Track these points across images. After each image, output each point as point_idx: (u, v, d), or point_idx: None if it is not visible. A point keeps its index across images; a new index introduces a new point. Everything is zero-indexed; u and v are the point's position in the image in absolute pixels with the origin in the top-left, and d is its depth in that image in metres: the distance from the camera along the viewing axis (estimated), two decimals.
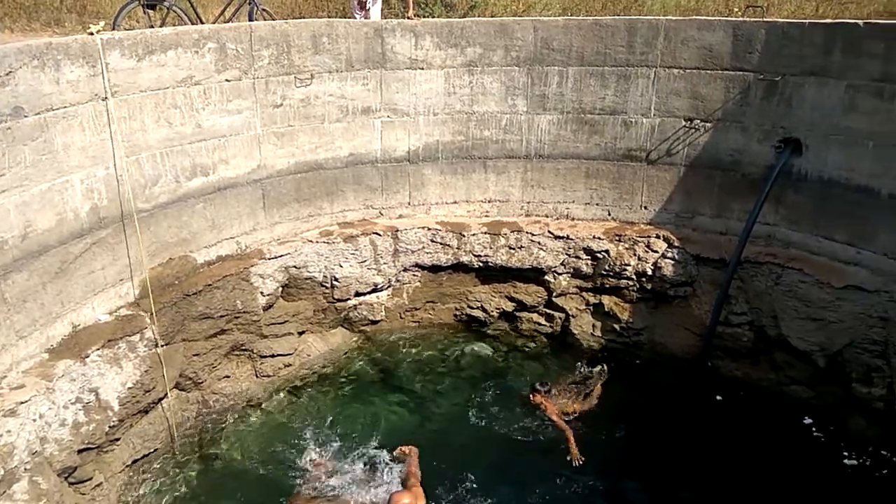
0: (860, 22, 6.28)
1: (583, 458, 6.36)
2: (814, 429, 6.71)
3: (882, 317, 6.22)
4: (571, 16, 9.92)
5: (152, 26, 8.18)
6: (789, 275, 6.74)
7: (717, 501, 6.00)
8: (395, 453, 6.35)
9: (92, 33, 5.52)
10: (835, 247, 6.73)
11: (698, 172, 7.37)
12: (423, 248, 7.79)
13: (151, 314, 6.09)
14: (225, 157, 6.67)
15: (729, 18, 7.46)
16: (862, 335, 6.36)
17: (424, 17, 9.99)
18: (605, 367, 7.29)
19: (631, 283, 7.58)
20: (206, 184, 6.60)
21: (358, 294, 7.73)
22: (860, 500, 5.97)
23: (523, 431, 6.76)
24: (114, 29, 7.67)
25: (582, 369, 7.47)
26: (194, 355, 6.59)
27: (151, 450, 6.31)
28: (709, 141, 7.22)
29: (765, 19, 7.07)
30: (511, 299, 8.11)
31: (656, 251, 7.43)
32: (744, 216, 7.04)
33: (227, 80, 6.49)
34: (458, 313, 8.24)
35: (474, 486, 6.09)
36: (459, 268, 7.94)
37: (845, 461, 6.37)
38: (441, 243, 7.78)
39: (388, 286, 7.92)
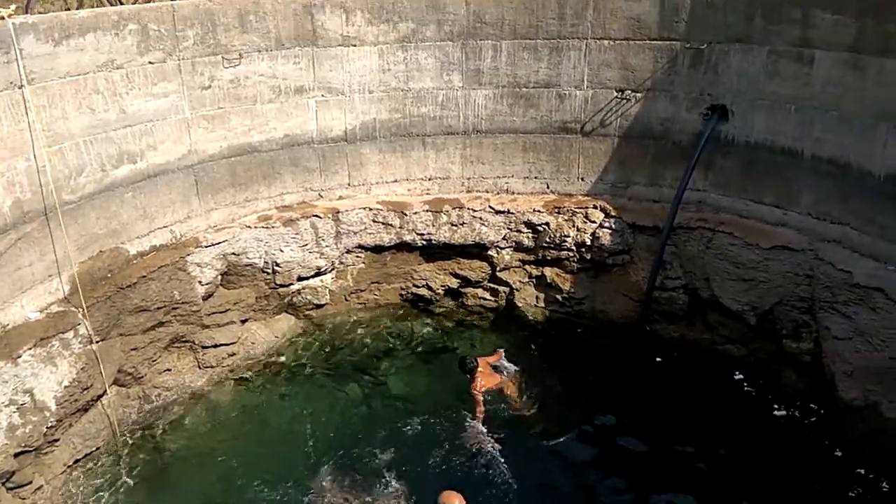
0: None
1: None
2: (745, 384, 7.01)
3: (808, 274, 6.51)
4: None
5: (69, 9, 7.79)
6: (720, 238, 6.98)
7: (658, 456, 6.24)
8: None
9: (3, 17, 5.24)
10: (762, 209, 7.00)
11: (631, 142, 7.53)
12: (366, 228, 7.73)
13: (83, 310, 5.89)
14: (153, 142, 6.46)
15: None
16: (790, 293, 6.65)
17: None
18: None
19: (571, 253, 7.72)
20: (135, 171, 6.39)
21: (301, 278, 7.63)
22: (790, 447, 6.29)
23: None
24: (27, 12, 7.27)
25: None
26: (132, 349, 6.42)
27: (93, 448, 6.16)
28: (640, 111, 7.37)
29: None
30: (456, 276, 8.15)
31: (594, 221, 7.57)
32: (676, 183, 7.24)
33: (150, 63, 6.26)
34: (403, 292, 8.24)
35: (428, 463, 6.17)
36: (403, 247, 7.92)
37: (776, 412, 6.68)
38: (383, 223, 7.74)
39: (332, 269, 7.84)
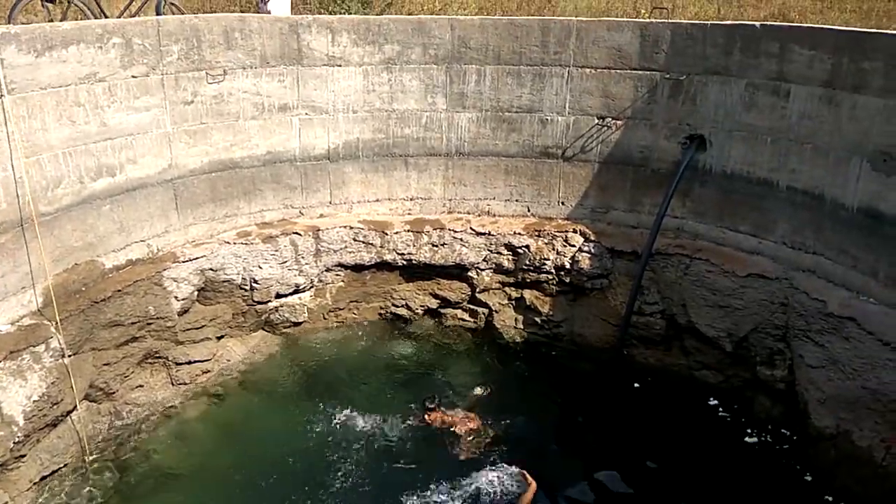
0: (757, 24, 6.66)
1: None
2: (720, 410, 7.06)
3: (783, 303, 6.60)
4: (487, 15, 10.06)
5: (52, 20, 7.76)
6: (697, 265, 7.06)
7: (632, 480, 6.24)
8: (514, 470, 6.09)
9: None
10: (738, 237, 7.10)
11: (611, 168, 7.63)
12: (346, 247, 7.72)
13: (57, 323, 5.80)
14: (133, 156, 6.43)
15: (637, 20, 7.76)
16: (765, 320, 6.73)
17: (341, 13, 9.90)
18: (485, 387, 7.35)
19: (550, 276, 7.76)
20: (113, 185, 6.34)
21: (279, 295, 7.59)
22: (762, 473, 6.35)
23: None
24: (9, 23, 7.24)
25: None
26: (105, 364, 6.32)
27: (61, 465, 6.03)
28: (620, 138, 7.47)
29: (670, 20, 7.36)
30: (435, 296, 8.16)
31: (574, 245, 7.63)
32: (654, 210, 7.33)
33: (133, 77, 6.25)
34: (382, 312, 8.22)
35: (407, 485, 6.09)
36: (383, 266, 7.92)
37: (749, 438, 6.73)
38: (364, 242, 7.74)
39: (311, 286, 7.81)
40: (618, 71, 7.25)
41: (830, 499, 5.99)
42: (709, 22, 6.89)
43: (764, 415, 6.87)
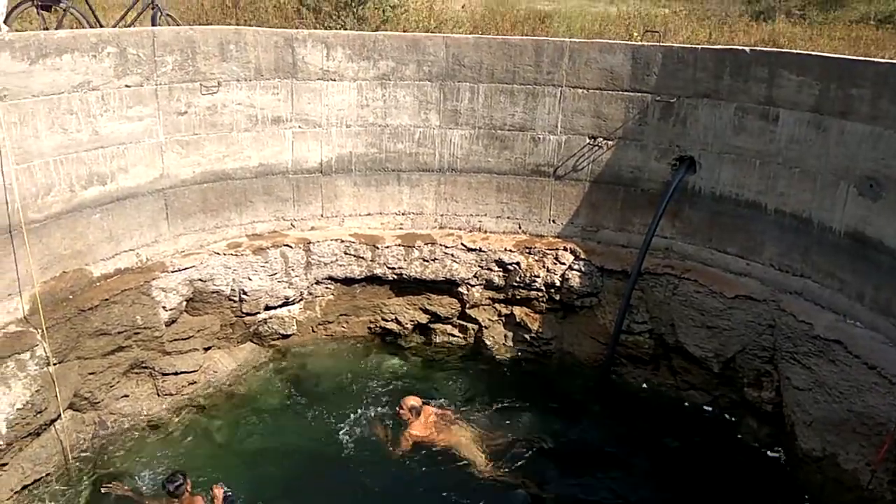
0: (747, 48, 6.75)
1: None
2: (708, 430, 7.04)
3: (770, 324, 6.63)
4: (482, 34, 10.14)
5: (47, 28, 7.78)
6: (685, 285, 7.10)
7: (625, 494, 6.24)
8: None
9: None
10: (727, 258, 7.14)
11: (602, 188, 7.67)
12: (337, 260, 7.72)
13: (43, 331, 5.76)
14: (124, 165, 6.43)
15: (629, 42, 7.84)
16: (752, 342, 6.76)
17: (336, 28, 9.97)
18: None
19: (540, 294, 7.78)
20: (104, 193, 6.33)
21: (268, 308, 7.57)
22: (752, 494, 6.33)
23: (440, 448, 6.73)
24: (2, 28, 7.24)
25: None
26: (90, 374, 6.28)
27: (43, 474, 5.98)
28: (611, 158, 7.53)
29: (661, 44, 7.45)
30: (425, 311, 8.15)
31: (564, 263, 7.66)
32: (644, 229, 7.37)
33: (127, 86, 6.27)
34: (372, 326, 8.20)
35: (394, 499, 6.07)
36: (373, 280, 7.91)
37: (737, 459, 6.71)
38: (355, 255, 7.74)
39: (300, 299, 7.80)
40: (609, 92, 7.32)
41: None
42: (699, 46, 6.99)
43: (751, 436, 6.88)
